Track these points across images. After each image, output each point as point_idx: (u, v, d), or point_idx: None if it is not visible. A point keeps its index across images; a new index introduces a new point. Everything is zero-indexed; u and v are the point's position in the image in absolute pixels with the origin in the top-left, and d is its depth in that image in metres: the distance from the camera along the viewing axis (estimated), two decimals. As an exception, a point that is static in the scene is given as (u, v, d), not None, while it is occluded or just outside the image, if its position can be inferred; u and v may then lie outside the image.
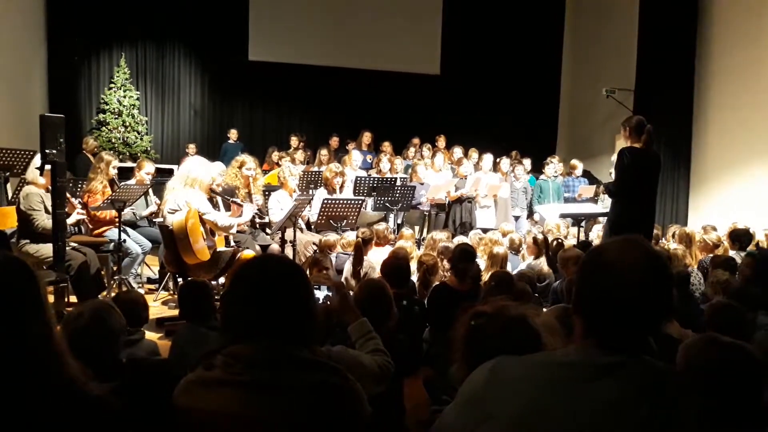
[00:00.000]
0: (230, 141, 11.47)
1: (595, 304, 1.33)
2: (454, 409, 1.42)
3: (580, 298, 1.37)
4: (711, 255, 5.76)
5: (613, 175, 5.76)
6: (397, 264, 3.97)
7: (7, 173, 6.85)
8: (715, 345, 1.81)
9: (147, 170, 6.22)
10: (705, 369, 1.73)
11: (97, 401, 1.29)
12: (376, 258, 5.13)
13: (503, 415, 1.28)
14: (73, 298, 5.12)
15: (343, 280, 4.73)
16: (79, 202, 5.59)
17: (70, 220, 5.27)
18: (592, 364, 1.28)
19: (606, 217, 5.83)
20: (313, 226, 6.45)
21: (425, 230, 8.17)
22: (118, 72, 11.44)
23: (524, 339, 1.72)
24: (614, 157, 5.66)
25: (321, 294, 3.28)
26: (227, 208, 5.37)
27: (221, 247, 5.10)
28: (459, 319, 1.90)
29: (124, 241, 5.54)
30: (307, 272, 4.79)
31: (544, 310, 3.47)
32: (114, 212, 5.47)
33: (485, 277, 4.39)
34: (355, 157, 8.51)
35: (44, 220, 4.88)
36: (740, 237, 6.00)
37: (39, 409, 1.21)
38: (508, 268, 5.39)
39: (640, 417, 1.21)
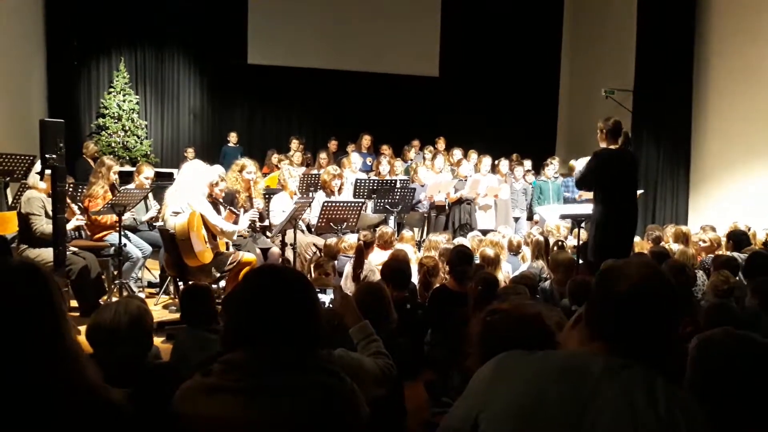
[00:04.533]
0: (230, 144, 11.47)
1: (605, 316, 1.39)
2: (462, 400, 1.44)
3: (593, 310, 1.43)
4: (712, 255, 5.77)
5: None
6: (397, 266, 3.97)
7: (7, 178, 6.86)
8: (731, 339, 1.77)
9: (146, 174, 6.22)
10: (719, 363, 1.70)
11: (111, 406, 1.30)
12: (379, 261, 5.14)
13: (502, 404, 1.31)
14: (74, 303, 5.12)
15: (343, 282, 4.73)
16: (79, 207, 5.59)
17: (69, 226, 5.27)
18: (596, 364, 1.30)
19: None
20: (313, 229, 6.46)
21: (425, 232, 8.18)
22: (117, 76, 11.45)
23: (537, 337, 1.74)
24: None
25: (325, 298, 3.28)
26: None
27: (222, 250, 5.10)
28: (467, 320, 1.92)
29: (125, 245, 5.54)
30: (310, 275, 4.81)
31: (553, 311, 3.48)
32: (114, 217, 5.47)
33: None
34: (355, 159, 8.52)
35: (43, 225, 4.89)
36: (738, 238, 6.01)
37: (54, 414, 1.21)
38: (509, 269, 5.39)
39: (637, 419, 1.22)
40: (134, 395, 1.54)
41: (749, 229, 7.11)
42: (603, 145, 5.08)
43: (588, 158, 5.53)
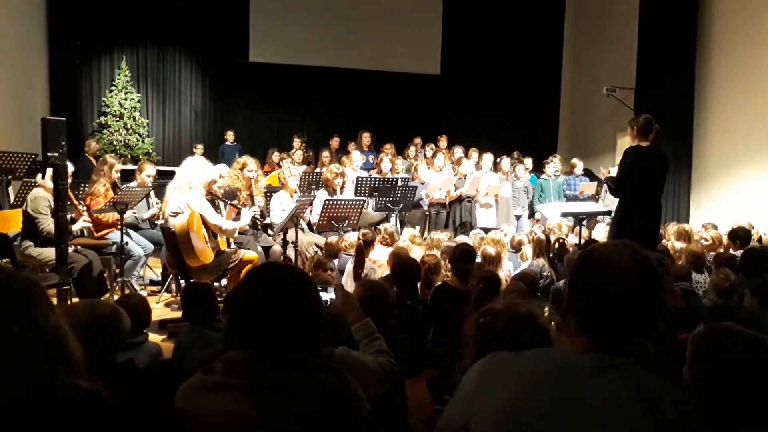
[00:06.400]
0: (227, 143, 11.47)
1: (587, 304, 1.36)
2: (453, 404, 1.44)
3: (573, 298, 1.40)
4: (714, 253, 5.77)
5: (612, 171, 5.75)
6: (408, 264, 3.99)
7: (9, 176, 6.87)
8: (729, 335, 1.75)
9: (148, 172, 6.24)
10: (716, 359, 1.69)
11: (96, 396, 1.33)
12: (381, 257, 5.15)
13: (489, 407, 1.30)
14: (76, 301, 5.13)
15: (344, 281, 4.73)
16: (84, 207, 5.60)
17: (75, 227, 5.29)
18: (583, 363, 1.28)
19: (611, 217, 5.81)
20: (314, 227, 6.46)
21: (426, 230, 8.18)
22: (119, 74, 11.46)
23: (531, 335, 1.75)
24: (618, 156, 5.61)
25: (327, 296, 3.28)
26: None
27: (223, 249, 5.10)
28: (467, 318, 1.93)
29: (127, 243, 5.55)
30: (311, 273, 4.82)
31: (546, 308, 3.47)
32: (116, 215, 5.48)
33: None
34: (356, 157, 8.52)
35: (49, 224, 4.89)
36: (740, 235, 6.00)
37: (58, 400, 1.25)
38: (510, 267, 5.39)
39: (627, 418, 1.21)
40: (136, 394, 1.54)
41: (752, 228, 7.10)
42: (633, 142, 4.97)
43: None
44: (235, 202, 5.52)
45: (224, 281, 5.22)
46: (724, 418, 1.59)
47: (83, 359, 1.40)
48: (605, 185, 5.39)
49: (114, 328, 2.25)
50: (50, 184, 5.01)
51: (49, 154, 4.40)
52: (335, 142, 10.87)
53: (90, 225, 5.54)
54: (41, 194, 5.01)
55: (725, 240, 6.27)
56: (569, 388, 1.25)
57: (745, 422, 1.60)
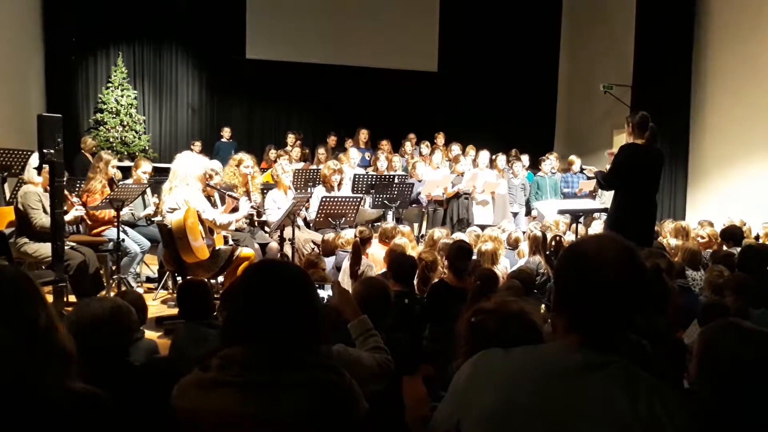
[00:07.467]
0: (223, 139, 11.44)
1: (574, 300, 1.33)
2: (444, 404, 1.44)
3: (560, 294, 1.38)
4: (710, 250, 5.77)
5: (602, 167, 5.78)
6: (404, 261, 3.99)
7: (5, 173, 6.85)
8: (736, 330, 1.72)
9: (144, 169, 6.23)
10: (726, 357, 1.66)
11: (91, 398, 1.31)
12: (379, 255, 5.14)
13: (479, 406, 1.29)
14: (72, 298, 5.12)
15: (341, 278, 4.73)
16: (80, 203, 5.59)
17: (68, 217, 5.27)
18: (572, 362, 1.27)
19: (606, 214, 5.83)
20: (311, 224, 6.46)
21: (424, 227, 8.19)
22: (115, 71, 11.42)
23: (524, 333, 1.74)
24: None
25: (324, 293, 3.28)
26: (224, 203, 5.37)
27: (220, 246, 5.10)
28: (461, 316, 1.93)
29: (123, 240, 5.53)
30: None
31: (543, 305, 3.48)
32: (112, 212, 5.47)
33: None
34: (353, 154, 8.51)
35: (42, 219, 4.89)
36: (733, 234, 6.01)
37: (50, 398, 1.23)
38: (506, 264, 5.40)
39: (616, 417, 1.20)
40: (132, 391, 1.53)
41: (744, 225, 7.11)
42: (629, 139, 5.01)
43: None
44: (233, 193, 5.50)
45: (221, 278, 5.21)
46: (735, 416, 1.58)
47: (82, 359, 1.37)
48: (595, 174, 5.45)
49: (125, 325, 2.25)
50: (38, 179, 5.00)
51: (45, 150, 4.39)
52: (332, 139, 10.86)
53: (83, 213, 5.51)
54: (31, 189, 5.00)
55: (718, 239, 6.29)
56: (558, 386, 1.24)
57: (757, 420, 1.58)
